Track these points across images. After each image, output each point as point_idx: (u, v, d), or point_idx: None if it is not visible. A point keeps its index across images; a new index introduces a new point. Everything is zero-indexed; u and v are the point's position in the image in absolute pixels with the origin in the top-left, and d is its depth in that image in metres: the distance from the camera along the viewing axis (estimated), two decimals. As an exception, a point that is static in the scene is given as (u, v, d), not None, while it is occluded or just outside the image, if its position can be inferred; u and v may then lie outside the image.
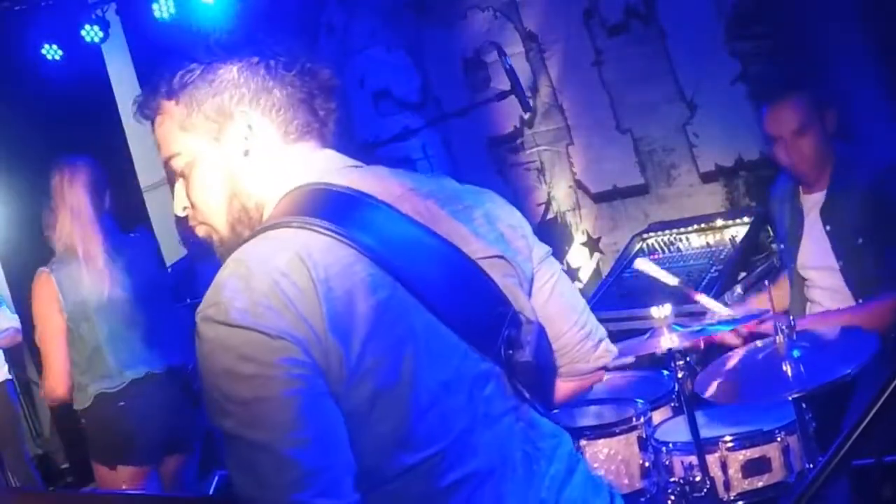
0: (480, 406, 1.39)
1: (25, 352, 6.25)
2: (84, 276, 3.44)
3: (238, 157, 1.47)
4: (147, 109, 1.53)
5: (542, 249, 1.58)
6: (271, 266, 1.29)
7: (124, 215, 3.78)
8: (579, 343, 1.61)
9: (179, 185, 1.53)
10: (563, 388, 1.65)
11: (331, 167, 1.50)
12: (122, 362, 3.50)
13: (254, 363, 1.24)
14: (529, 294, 1.53)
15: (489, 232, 1.49)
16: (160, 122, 1.51)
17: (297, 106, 1.50)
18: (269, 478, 1.22)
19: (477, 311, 1.42)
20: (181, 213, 1.54)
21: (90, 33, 5.60)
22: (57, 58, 5.65)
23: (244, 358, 1.24)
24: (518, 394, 1.45)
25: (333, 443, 1.26)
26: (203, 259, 4.91)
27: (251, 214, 1.48)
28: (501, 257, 1.47)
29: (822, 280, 3.14)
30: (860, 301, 3.00)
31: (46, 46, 5.62)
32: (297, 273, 1.29)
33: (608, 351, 1.67)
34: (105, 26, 5.65)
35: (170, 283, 3.79)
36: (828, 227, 3.07)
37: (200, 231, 1.54)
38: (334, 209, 1.39)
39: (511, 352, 1.43)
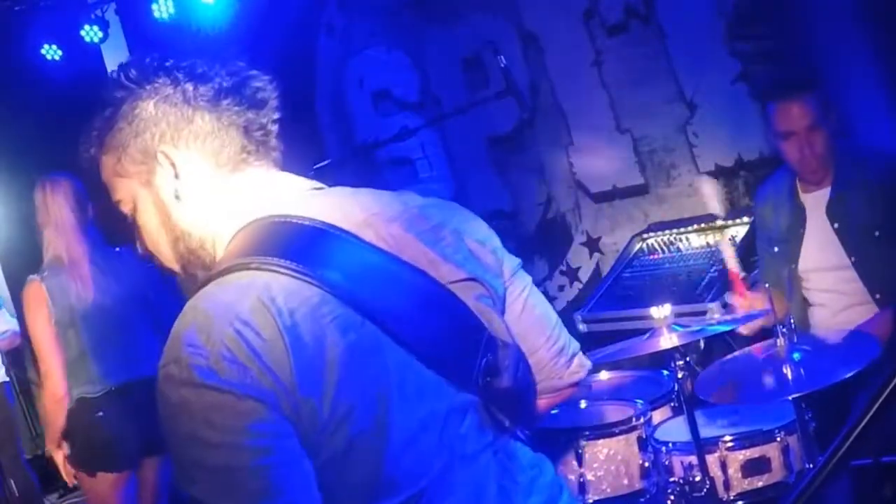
0: (456, 443, 1.31)
1: (26, 353, 6.24)
2: (70, 285, 3.57)
3: (171, 199, 1.38)
4: (86, 157, 1.45)
5: (512, 262, 1.49)
6: (232, 314, 1.20)
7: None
8: (553, 359, 1.53)
9: (136, 230, 1.47)
10: (537, 404, 1.56)
11: (285, 194, 1.39)
12: (103, 370, 3.62)
13: (221, 431, 1.16)
14: (503, 312, 1.45)
15: (457, 251, 1.40)
16: (101, 168, 1.45)
17: (225, 131, 1.38)
18: None
19: (451, 340, 1.34)
20: (144, 255, 1.49)
21: (90, 33, 5.61)
22: (57, 58, 5.66)
23: (210, 425, 1.15)
24: (497, 423, 1.37)
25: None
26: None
27: (199, 254, 1.40)
28: (473, 279, 1.38)
29: (823, 281, 3.13)
30: (877, 296, 3.00)
31: (46, 46, 5.62)
32: (262, 321, 1.19)
33: (582, 366, 1.57)
34: (105, 26, 5.65)
35: (153, 296, 3.84)
36: (836, 225, 3.06)
37: (167, 270, 1.48)
38: (295, 245, 1.29)
39: (489, 379, 1.35)
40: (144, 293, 3.75)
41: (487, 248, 1.46)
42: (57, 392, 3.54)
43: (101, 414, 3.60)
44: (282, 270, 1.25)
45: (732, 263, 2.86)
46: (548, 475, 1.45)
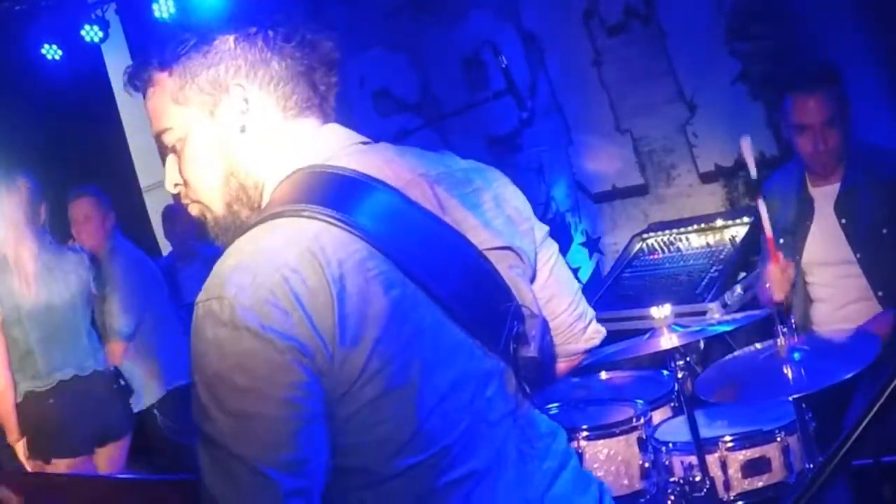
0: (482, 406, 1.35)
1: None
2: (16, 283, 3.70)
3: (234, 132, 1.39)
4: (138, 80, 1.44)
5: (542, 230, 1.55)
6: (280, 260, 1.21)
7: (124, 216, 3.89)
8: (573, 324, 1.59)
9: (171, 161, 1.45)
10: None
11: (337, 146, 1.41)
12: (50, 364, 3.77)
13: (251, 376, 1.17)
14: (533, 280, 1.50)
15: (497, 216, 1.44)
16: (152, 95, 1.43)
17: (297, 79, 1.42)
18: (247, 491, 1.18)
19: (484, 305, 1.37)
20: (173, 190, 1.47)
21: (90, 33, 5.60)
22: (57, 58, 5.66)
23: (242, 368, 1.17)
24: (520, 390, 1.41)
25: (318, 466, 1.22)
26: (184, 260, 4.93)
27: (249, 193, 1.41)
28: (509, 248, 1.43)
29: (826, 276, 3.13)
30: (879, 293, 3.01)
31: (46, 46, 5.62)
32: (309, 270, 1.21)
33: (598, 332, 1.64)
34: (105, 26, 5.65)
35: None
36: (843, 221, 3.07)
37: (193, 209, 1.46)
38: (345, 197, 1.31)
39: (516, 347, 1.39)
40: (88, 291, 3.94)
41: (524, 214, 1.51)
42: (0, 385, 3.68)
43: (51, 401, 3.74)
44: (332, 221, 1.26)
45: (767, 227, 2.86)
46: (561, 443, 1.50)
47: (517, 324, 1.39)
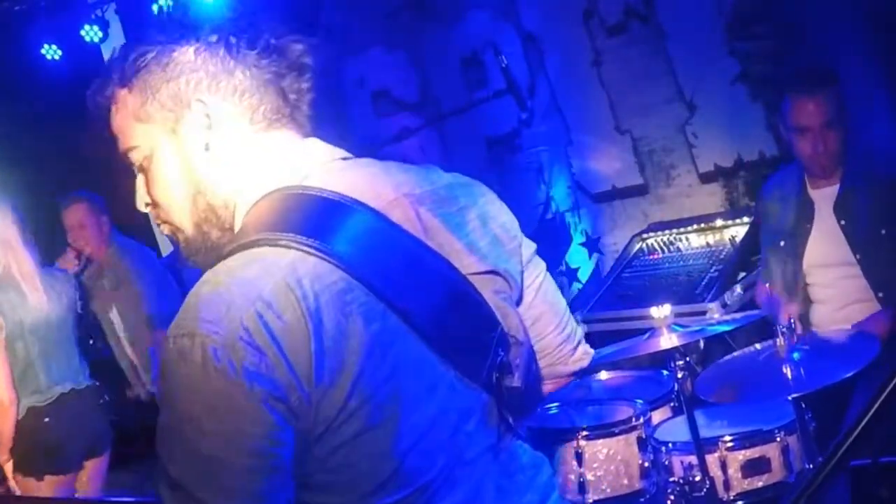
0: (462, 442, 1.29)
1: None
2: (20, 299, 3.76)
3: (199, 150, 1.32)
4: (100, 98, 1.38)
5: (529, 248, 1.48)
6: (254, 294, 1.14)
7: (124, 216, 3.91)
8: (560, 345, 1.53)
9: (140, 180, 1.39)
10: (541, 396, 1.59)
11: (315, 163, 1.34)
12: (51, 378, 3.85)
13: (220, 421, 1.12)
14: (519, 302, 1.44)
15: (482, 237, 1.37)
16: (115, 112, 1.37)
17: (264, 89, 1.33)
18: None
19: (467, 334, 1.30)
20: (144, 209, 1.41)
21: (90, 33, 5.60)
22: (57, 58, 5.65)
23: (210, 411, 1.12)
24: (502, 421, 1.35)
25: None
26: (182, 263, 4.95)
27: (219, 213, 1.34)
28: (495, 272, 1.36)
29: (827, 277, 3.14)
30: (879, 294, 3.01)
31: (46, 46, 5.62)
32: (285, 303, 1.14)
33: (586, 353, 1.58)
34: (105, 26, 5.65)
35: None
36: (842, 222, 3.07)
37: (165, 229, 1.40)
38: (323, 222, 1.24)
39: (499, 377, 1.32)
40: (76, 307, 4.05)
41: (511, 233, 1.44)
42: (3, 401, 3.69)
43: (47, 420, 3.81)
44: (310, 251, 1.20)
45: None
46: (544, 475, 1.44)
47: (501, 352, 1.33)
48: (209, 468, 1.13)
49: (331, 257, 1.20)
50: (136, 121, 1.35)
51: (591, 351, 1.59)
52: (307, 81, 1.38)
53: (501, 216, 1.45)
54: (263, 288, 1.15)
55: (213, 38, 1.34)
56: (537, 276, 1.49)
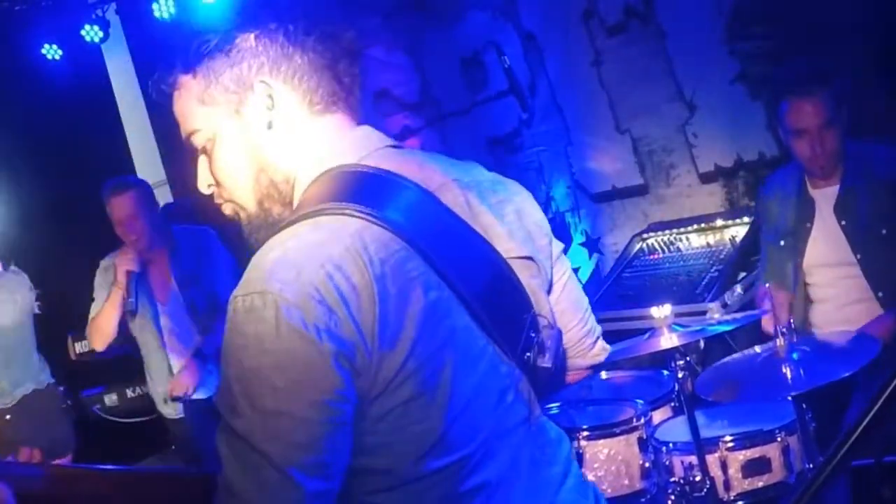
0: (502, 413, 1.36)
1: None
2: None
3: (262, 129, 1.40)
4: (164, 85, 1.45)
5: (558, 247, 1.58)
6: (325, 256, 1.20)
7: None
8: (581, 339, 1.63)
9: (202, 162, 1.45)
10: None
11: (369, 146, 1.42)
12: (13, 383, 3.99)
13: (289, 376, 1.16)
14: (549, 293, 1.52)
15: (519, 229, 1.46)
16: (178, 98, 1.44)
17: (321, 73, 1.41)
18: (269, 490, 1.18)
19: (506, 313, 1.38)
20: (206, 191, 1.47)
21: (90, 33, 5.60)
22: (57, 58, 5.65)
23: (280, 367, 1.16)
24: (533, 398, 1.43)
25: (339, 469, 1.22)
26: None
27: (281, 189, 1.41)
28: (530, 258, 1.45)
29: (827, 277, 3.14)
30: (879, 294, 3.01)
31: (46, 46, 5.62)
32: (353, 267, 1.20)
33: (603, 349, 1.68)
34: (105, 26, 5.65)
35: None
36: (843, 223, 3.07)
37: (227, 209, 1.46)
38: (382, 197, 1.31)
39: (532, 356, 1.40)
40: (33, 310, 4.16)
41: (543, 230, 1.54)
42: None
43: (8, 417, 3.96)
44: (373, 220, 1.26)
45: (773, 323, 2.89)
46: (566, 448, 1.52)
47: (535, 333, 1.41)
48: (276, 422, 1.17)
49: (393, 228, 1.26)
50: (199, 104, 1.41)
51: (609, 347, 1.69)
52: (358, 67, 1.46)
53: (535, 214, 1.54)
54: (332, 251, 1.21)
55: (273, 25, 1.40)
56: (564, 272, 1.59)
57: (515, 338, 1.38)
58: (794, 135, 3.06)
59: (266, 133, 1.40)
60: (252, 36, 1.40)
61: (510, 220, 1.45)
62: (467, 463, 1.29)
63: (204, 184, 1.46)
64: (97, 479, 1.62)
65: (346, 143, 1.41)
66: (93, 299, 3.95)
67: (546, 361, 1.41)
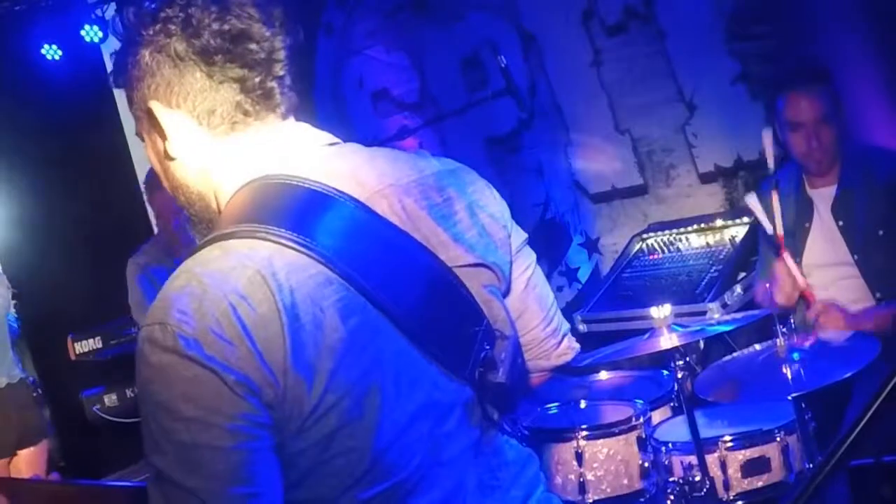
0: (442, 439, 1.27)
1: (26, 352, 6.25)
2: None
3: (164, 156, 1.32)
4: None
5: (519, 238, 1.45)
6: (229, 286, 1.13)
7: (123, 215, 3.90)
8: (545, 339, 1.51)
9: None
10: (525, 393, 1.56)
11: (296, 147, 1.30)
12: None
13: (197, 405, 1.10)
14: (507, 294, 1.41)
15: (469, 228, 1.34)
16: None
17: (216, 90, 1.27)
18: None
19: (451, 328, 1.28)
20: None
21: (90, 33, 5.60)
22: (57, 58, 5.65)
23: (186, 397, 1.10)
24: (487, 417, 1.33)
25: (272, 500, 1.15)
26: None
27: (198, 207, 1.34)
28: (481, 265, 1.33)
29: (825, 277, 3.14)
30: (877, 295, 3.01)
31: (46, 46, 5.61)
32: (259, 296, 1.13)
33: (571, 348, 1.55)
34: (105, 26, 5.64)
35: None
36: (840, 223, 3.07)
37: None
38: (303, 214, 1.22)
39: (484, 372, 1.30)
40: (9, 304, 4.36)
41: (500, 222, 1.41)
42: None
43: None
44: (288, 244, 1.18)
45: (778, 224, 2.91)
46: (530, 470, 1.42)
47: (487, 346, 1.31)
48: (194, 454, 1.11)
49: (310, 251, 1.18)
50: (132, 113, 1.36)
51: (577, 346, 1.57)
52: (267, 74, 1.29)
53: (490, 205, 1.41)
54: (238, 280, 1.14)
55: (163, 39, 1.26)
56: (527, 267, 1.47)
57: (464, 354, 1.28)
58: (790, 129, 3.07)
59: (169, 160, 1.32)
60: (147, 53, 1.28)
61: (459, 220, 1.34)
62: (398, 491, 1.22)
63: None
64: (36, 492, 1.59)
65: (268, 150, 1.29)
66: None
67: (499, 377, 1.31)
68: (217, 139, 1.29)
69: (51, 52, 5.63)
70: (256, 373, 1.12)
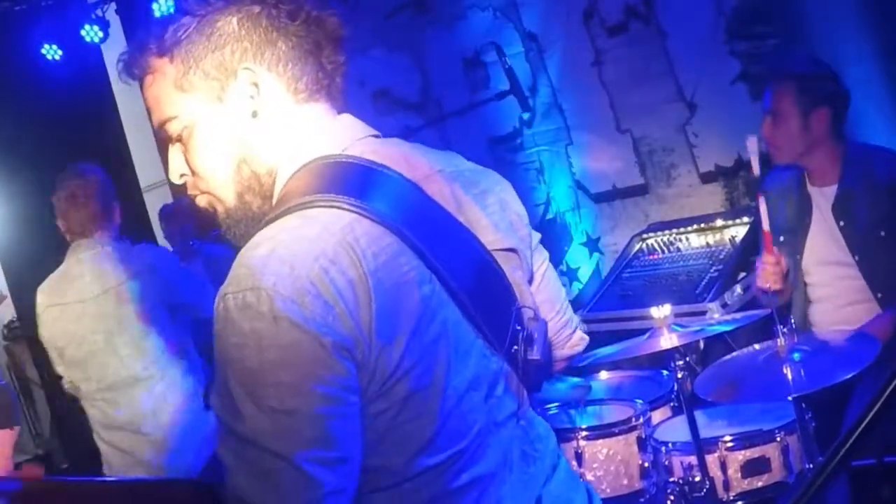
0: (494, 407, 1.34)
1: (26, 352, 6.26)
2: None
3: (245, 118, 1.33)
4: (135, 69, 1.36)
5: (535, 237, 1.56)
6: (318, 251, 1.16)
7: (124, 216, 3.89)
8: (559, 330, 1.60)
9: (175, 151, 1.38)
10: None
11: (353, 135, 1.37)
12: None
13: (292, 371, 1.12)
14: (530, 285, 1.49)
15: (501, 220, 1.43)
16: (151, 83, 1.36)
17: (305, 59, 1.34)
18: (287, 491, 1.13)
19: (493, 306, 1.35)
20: (178, 181, 1.39)
21: (90, 33, 5.60)
22: (57, 58, 5.65)
23: (283, 363, 1.11)
24: (521, 391, 1.40)
25: (355, 466, 1.18)
26: (186, 259, 4.95)
27: (262, 182, 1.34)
28: (514, 250, 1.42)
29: (825, 276, 3.13)
30: (878, 295, 3.01)
31: (46, 46, 5.61)
32: (347, 261, 1.16)
33: (582, 339, 1.65)
34: (105, 26, 5.65)
35: None
36: (841, 223, 3.07)
37: (201, 201, 1.39)
38: (371, 189, 1.26)
39: (518, 349, 1.37)
40: None
41: (524, 221, 1.51)
42: None
43: None
44: (364, 213, 1.22)
45: (765, 221, 2.92)
46: (552, 442, 1.51)
47: (520, 326, 1.38)
48: (284, 419, 1.12)
49: (382, 220, 1.23)
50: (177, 90, 1.34)
51: (587, 337, 1.67)
52: (342, 54, 1.39)
53: (515, 204, 1.51)
54: (326, 245, 1.17)
55: (256, 9, 1.33)
56: (542, 262, 1.56)
57: (503, 331, 1.35)
58: (764, 115, 3.11)
59: (249, 122, 1.33)
60: (234, 20, 1.32)
61: (493, 211, 1.43)
62: (459, 459, 1.27)
63: (176, 174, 1.39)
64: (78, 492, 1.55)
65: (329, 133, 1.35)
66: None
67: (535, 354, 1.38)
68: (296, 107, 1.35)
69: (51, 52, 5.63)
70: (351, 333, 1.15)
